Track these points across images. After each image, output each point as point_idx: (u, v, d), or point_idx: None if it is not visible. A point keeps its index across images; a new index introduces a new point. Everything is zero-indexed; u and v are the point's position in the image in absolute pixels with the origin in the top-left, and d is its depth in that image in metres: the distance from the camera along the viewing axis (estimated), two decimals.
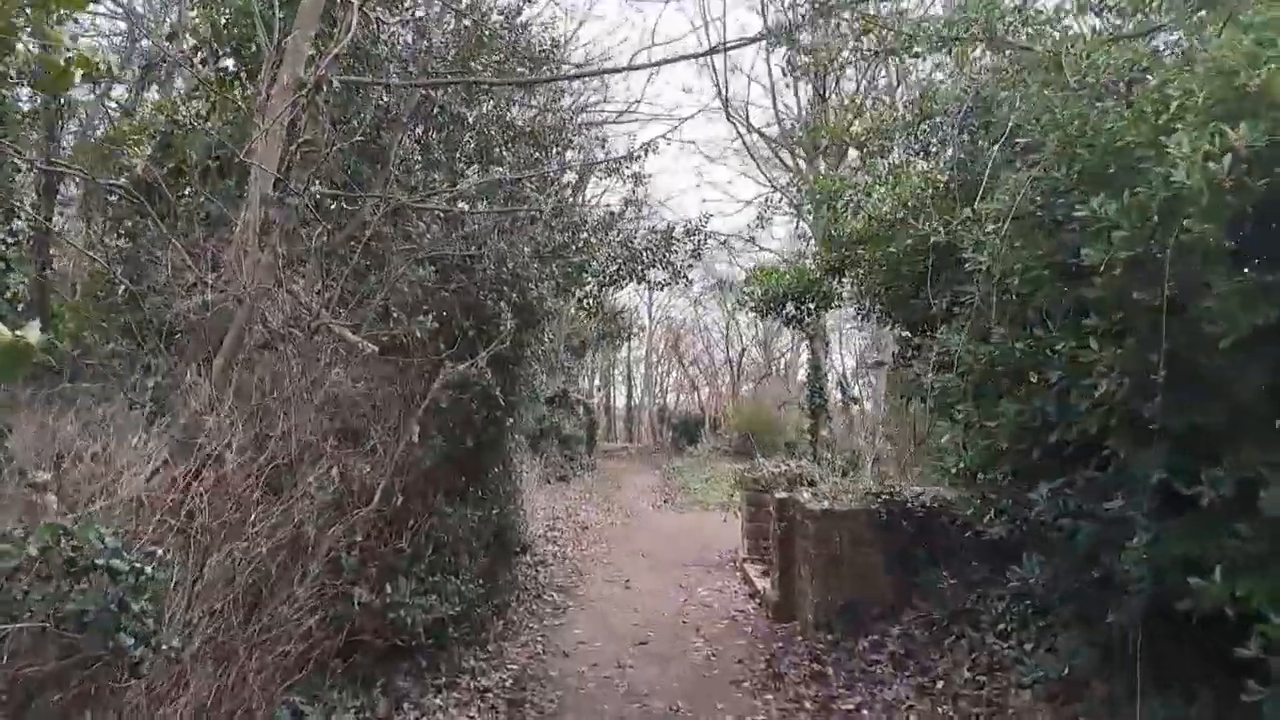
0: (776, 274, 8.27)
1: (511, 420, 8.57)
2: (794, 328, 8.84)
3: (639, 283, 9.53)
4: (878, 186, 6.38)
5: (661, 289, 10.19)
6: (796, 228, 19.09)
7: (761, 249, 24.57)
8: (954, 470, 5.59)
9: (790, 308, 8.40)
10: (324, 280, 6.18)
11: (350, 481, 5.92)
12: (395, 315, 6.98)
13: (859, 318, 7.93)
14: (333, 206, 7.22)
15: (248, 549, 4.68)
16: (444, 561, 7.30)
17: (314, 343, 5.73)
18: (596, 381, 48.18)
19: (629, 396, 51.23)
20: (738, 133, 16.48)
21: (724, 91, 17.27)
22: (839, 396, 19.59)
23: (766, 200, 15.98)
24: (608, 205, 9.64)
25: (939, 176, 6.14)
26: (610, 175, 9.95)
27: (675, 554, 13.74)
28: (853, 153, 15.62)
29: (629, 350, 49.05)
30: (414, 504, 7.14)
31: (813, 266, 8.09)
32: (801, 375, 49.50)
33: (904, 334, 7.08)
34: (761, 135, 17.29)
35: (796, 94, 17.03)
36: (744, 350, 43.86)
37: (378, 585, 6.53)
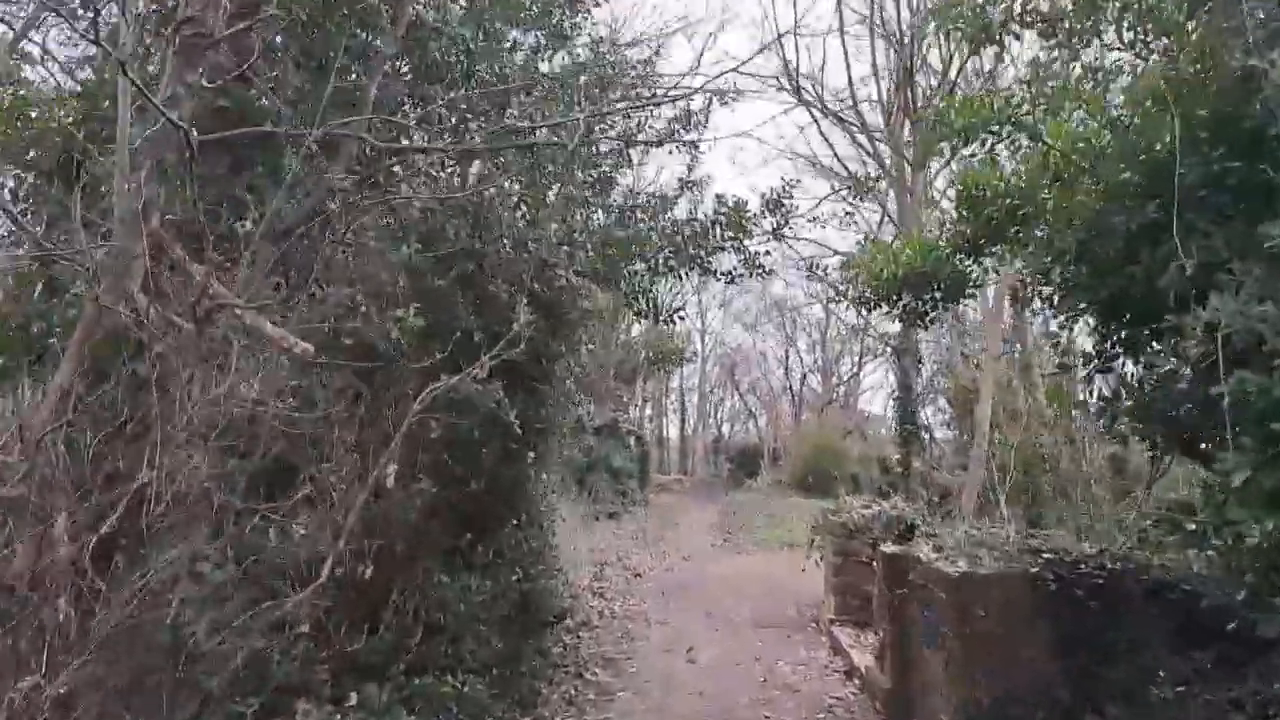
0: (890, 252, 6.12)
1: (535, 455, 6.54)
2: (909, 326, 6.62)
3: (702, 273, 7.47)
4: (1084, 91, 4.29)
5: (731, 281, 7.98)
6: (881, 224, 16.91)
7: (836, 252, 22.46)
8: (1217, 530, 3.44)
9: (907, 298, 6.25)
10: (247, 253, 4.23)
11: (268, 551, 3.94)
12: (365, 309, 5.02)
13: (1018, 306, 5.74)
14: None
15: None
16: (438, 652, 5.28)
17: (209, 338, 3.75)
18: (648, 411, 46.26)
19: (682, 426, 49.12)
20: (811, 116, 14.33)
21: (792, 66, 14.95)
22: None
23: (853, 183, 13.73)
24: (658, 187, 7.60)
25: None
26: (661, 145, 8.00)
27: (743, 609, 11.53)
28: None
29: (681, 378, 47.09)
30: (393, 574, 5.15)
31: (940, 240, 5.97)
32: (867, 404, 47.02)
33: (1097, 328, 4.87)
34: (839, 119, 15.14)
35: (876, 74, 14.90)
36: (804, 376, 41.48)
37: (335, 696, 4.52)
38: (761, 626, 10.52)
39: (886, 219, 14.66)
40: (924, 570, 6.34)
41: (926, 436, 35.72)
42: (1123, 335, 4.36)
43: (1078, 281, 4.25)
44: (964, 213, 5.52)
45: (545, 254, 6.15)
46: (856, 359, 42.18)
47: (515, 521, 6.55)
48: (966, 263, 5.85)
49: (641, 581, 14.04)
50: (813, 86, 15.31)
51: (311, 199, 5.55)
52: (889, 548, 7.45)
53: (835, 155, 15.40)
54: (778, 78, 15.47)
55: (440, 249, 5.90)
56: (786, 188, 7.57)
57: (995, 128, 4.45)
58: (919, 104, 13.01)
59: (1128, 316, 4.20)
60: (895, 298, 6.23)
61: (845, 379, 43.01)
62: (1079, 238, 4.09)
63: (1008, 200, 4.93)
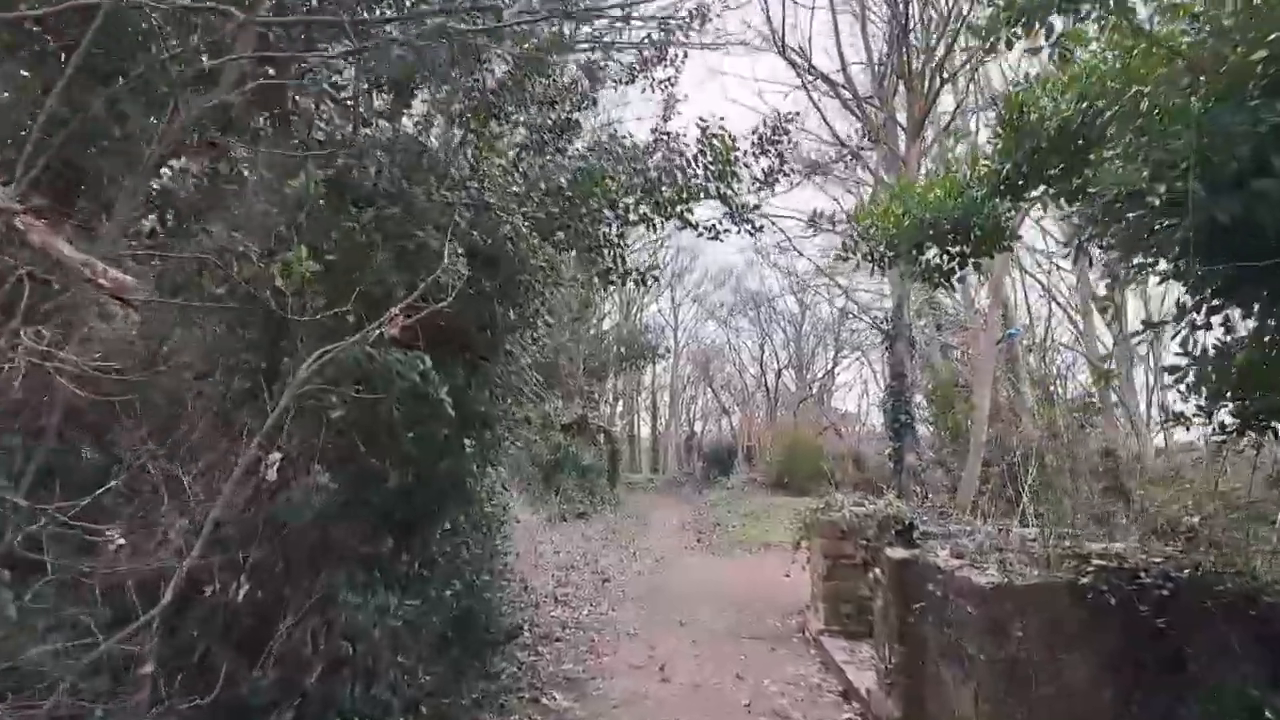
0: (914, 193, 4.99)
1: (477, 444, 5.40)
2: (934, 285, 5.50)
3: (681, 224, 6.29)
4: None
5: (715, 236, 6.72)
6: (873, 197, 15.89)
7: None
8: None
9: (931, 252, 5.14)
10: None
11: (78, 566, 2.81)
12: (243, 249, 3.88)
13: (1071, 254, 4.64)
14: None
15: None
16: (343, 691, 4.13)
17: None
18: (619, 408, 45.16)
19: (654, 424, 48.07)
20: (799, 77, 13.18)
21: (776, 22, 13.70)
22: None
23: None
24: (628, 134, 6.38)
25: None
26: (633, 81, 6.82)
27: (722, 618, 10.46)
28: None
29: (654, 374, 46.05)
30: (284, 592, 4.00)
31: (973, 179, 4.87)
32: (840, 401, 46.21)
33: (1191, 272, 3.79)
34: (826, 80, 14.04)
35: (865, 31, 13.76)
36: (780, 372, 40.56)
37: None
38: (742, 638, 9.45)
39: (880, 189, 13.68)
40: (947, 580, 5.28)
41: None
42: (1231, 278, 3.32)
43: (1172, 209, 3.21)
44: (1005, 145, 4.47)
45: (490, 197, 5.03)
46: (831, 355, 41.39)
47: (451, 524, 5.40)
48: (1003, 206, 4.79)
49: (610, 587, 12.93)
50: (799, 46, 14.36)
51: (192, 119, 4.38)
52: (897, 552, 6.40)
53: (824, 120, 14.34)
54: (757, 29, 14.40)
55: (358, 188, 4.77)
56: (781, 123, 6.43)
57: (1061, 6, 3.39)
58: (913, 65, 12.03)
59: (1244, 250, 3.17)
60: (917, 251, 5.15)
61: (820, 376, 42.19)
62: (1180, 146, 3.05)
63: (1082, 110, 3.87)
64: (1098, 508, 16.37)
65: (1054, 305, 26.95)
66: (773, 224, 21.84)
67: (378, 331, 3.58)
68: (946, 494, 12.66)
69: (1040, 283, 26.98)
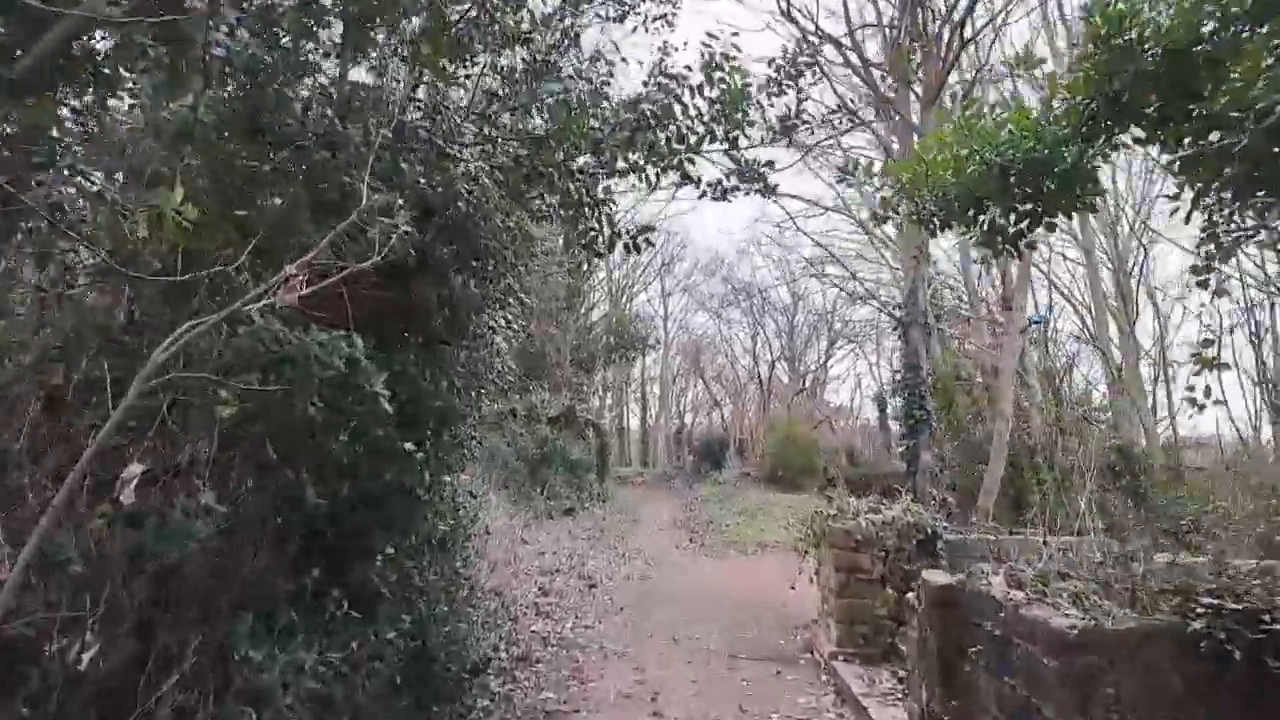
0: (979, 133, 3.91)
1: (432, 448, 4.39)
2: (997, 253, 4.44)
3: (681, 179, 5.18)
4: None
5: (721, 196, 5.56)
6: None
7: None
8: None
9: (993, 211, 4.08)
10: None
11: None
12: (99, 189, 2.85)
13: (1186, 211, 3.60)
14: None
15: None
16: None
17: None
18: (609, 400, 44.20)
19: (644, 416, 47.09)
20: (804, 40, 12.05)
21: None
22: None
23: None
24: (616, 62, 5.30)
25: None
26: (624, 20, 5.77)
27: (720, 634, 9.49)
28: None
29: (644, 366, 45.04)
30: (157, 649, 2.99)
31: (1048, 116, 3.85)
32: (833, 394, 45.22)
33: None
34: (833, 42, 12.94)
35: None
36: (774, 363, 39.64)
37: None
38: (744, 658, 8.48)
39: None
40: (1010, 620, 4.30)
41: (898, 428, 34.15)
42: None
43: None
44: (1095, 69, 3.48)
45: (445, 142, 4.01)
46: (824, 347, 40.49)
47: (398, 546, 4.39)
48: (1088, 150, 3.79)
49: (598, 594, 11.95)
50: (804, 7, 13.34)
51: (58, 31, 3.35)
52: (936, 576, 5.41)
53: (832, 88, 13.27)
54: None
55: (277, 127, 3.75)
56: (796, 58, 5.27)
57: None
58: (929, 27, 11.03)
59: None
60: (975, 210, 4.12)
61: (813, 368, 41.28)
62: None
63: (1210, 14, 2.91)
64: (1112, 508, 15.44)
65: (1054, 293, 26.01)
66: (776, 200, 20.93)
67: (272, 301, 2.56)
68: (955, 496, 11.71)
69: (1040, 270, 26.05)
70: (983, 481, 11.53)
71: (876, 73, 12.86)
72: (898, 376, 12.59)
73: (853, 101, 14.67)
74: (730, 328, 41.99)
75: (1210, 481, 17.31)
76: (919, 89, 11.73)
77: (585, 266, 30.32)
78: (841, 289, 25.36)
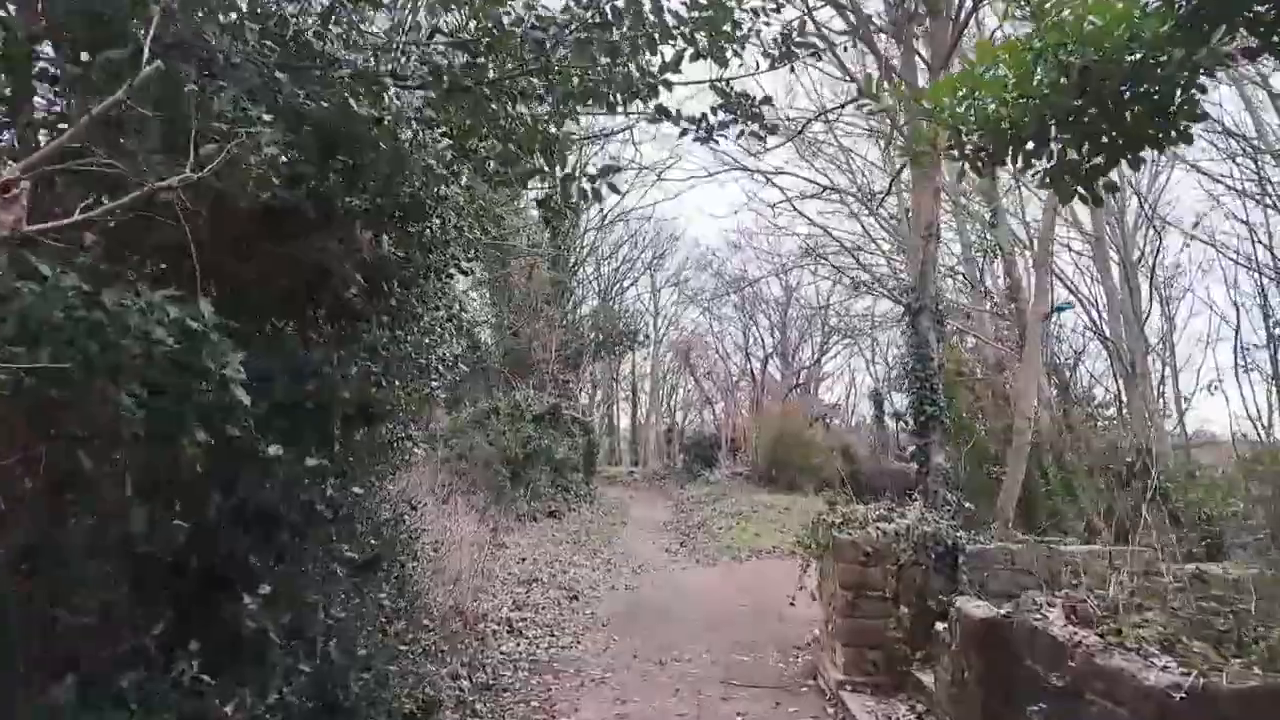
0: (1053, 24, 2.95)
1: (342, 449, 3.41)
2: (1067, 197, 3.46)
3: (655, 113, 4.15)
4: None
5: (706, 138, 4.52)
6: (889, 143, 13.87)
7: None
8: None
9: (1064, 142, 3.07)
10: None
11: None
12: None
13: None
14: None
15: None
16: None
17: None
18: (598, 397, 43.27)
19: (634, 415, 46.15)
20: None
21: None
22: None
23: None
24: None
25: None
26: None
27: (712, 655, 8.52)
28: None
29: (634, 363, 44.11)
30: None
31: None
32: (826, 392, 44.14)
33: None
34: (833, 4, 11.86)
35: None
36: (767, 359, 38.72)
37: None
38: (739, 685, 7.52)
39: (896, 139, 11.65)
40: (1084, 671, 3.34)
41: (900, 424, 33.14)
42: None
43: None
44: None
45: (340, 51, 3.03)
46: (818, 342, 39.56)
47: (289, 576, 3.38)
48: (1194, 58, 2.82)
49: (579, 606, 10.97)
50: None
51: None
52: (974, 607, 4.45)
53: (833, 54, 12.22)
54: None
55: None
56: None
57: None
58: None
59: None
60: (1038, 140, 3.12)
61: (807, 365, 40.33)
62: None
63: None
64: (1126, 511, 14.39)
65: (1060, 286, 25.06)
66: (770, 180, 19.88)
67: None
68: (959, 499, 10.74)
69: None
70: (1001, 485, 10.57)
71: (882, 38, 11.89)
72: (906, 366, 11.53)
73: (853, 74, 13.69)
74: (722, 324, 41.09)
75: (1227, 482, 16.44)
76: (926, 53, 10.76)
77: (570, 256, 29.39)
78: (842, 273, 24.35)
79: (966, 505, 9.14)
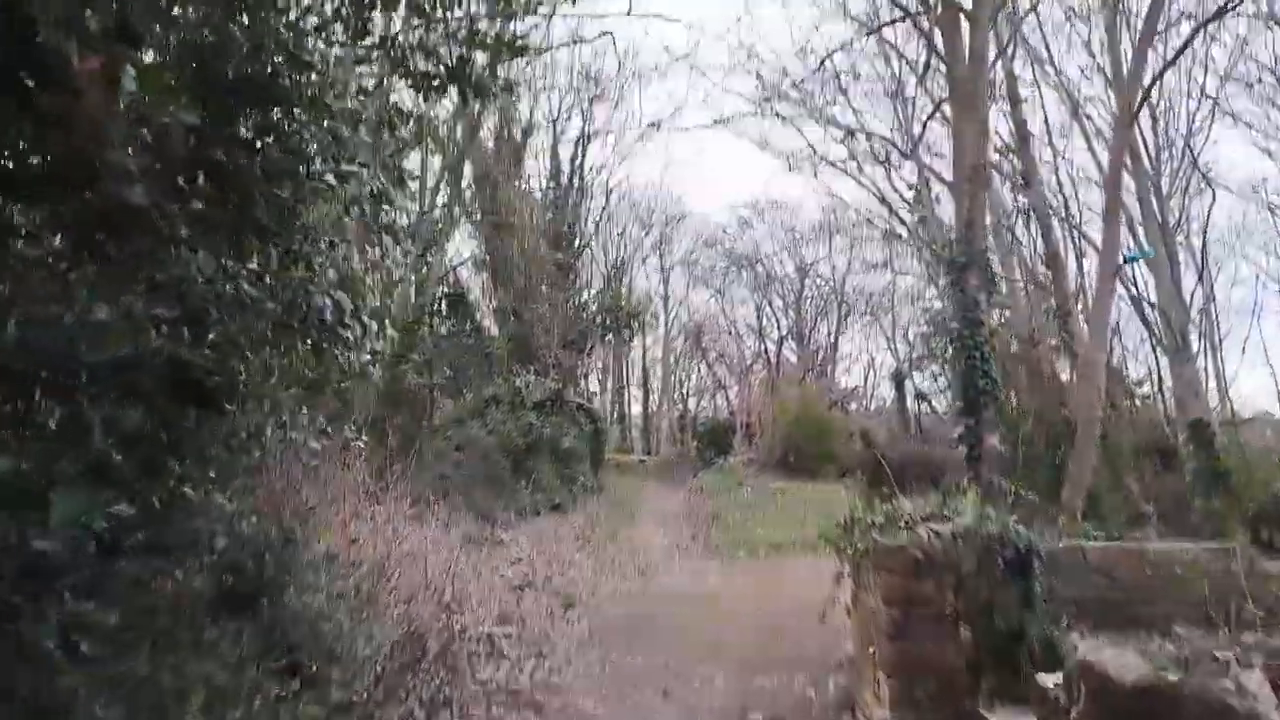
0: None
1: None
2: None
3: None
4: None
5: None
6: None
7: None
8: None
9: None
10: None
11: None
12: None
13: None
14: None
15: None
16: None
17: None
18: (609, 383, 41.94)
19: (645, 401, 44.76)
20: None
21: None
22: None
23: None
24: None
25: None
26: None
27: (727, 680, 7.17)
28: None
29: (644, 349, 42.66)
30: None
31: None
32: (843, 375, 42.38)
33: None
34: None
35: None
36: (782, 339, 37.25)
37: None
38: None
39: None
40: None
41: (923, 407, 31.65)
42: None
43: None
44: None
45: None
46: (835, 323, 38.06)
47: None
48: None
49: (574, 617, 9.60)
50: None
51: None
52: (1120, 667, 3.03)
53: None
54: None
55: None
56: None
57: None
58: None
59: None
60: None
61: (823, 346, 38.82)
62: None
63: None
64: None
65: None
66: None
67: None
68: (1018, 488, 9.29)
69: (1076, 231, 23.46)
70: (1066, 473, 9.06)
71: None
72: (952, 332, 10.01)
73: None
74: (734, 307, 39.56)
75: None
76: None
77: (575, 239, 27.93)
78: (870, 223, 22.75)
79: (1028, 495, 7.67)
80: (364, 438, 4.93)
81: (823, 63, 13.02)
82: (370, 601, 4.97)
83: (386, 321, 4.12)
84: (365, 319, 3.71)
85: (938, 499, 6.40)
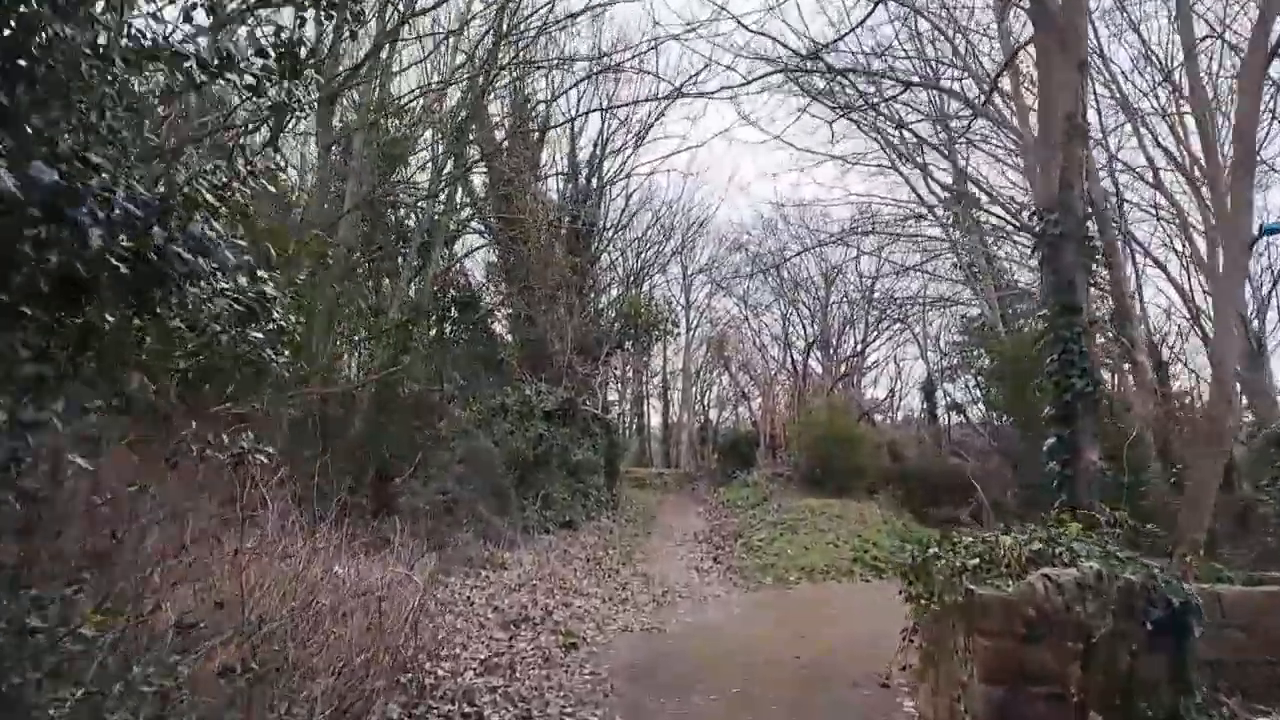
0: None
1: None
2: None
3: None
4: None
5: None
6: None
7: None
8: None
9: None
10: None
11: None
12: None
13: None
14: None
15: None
16: None
17: None
18: (628, 394, 40.43)
19: (665, 413, 43.20)
20: None
21: None
22: None
23: None
24: None
25: None
26: None
27: None
28: None
29: (665, 359, 41.14)
30: None
31: None
32: (870, 386, 40.39)
33: None
34: None
35: None
36: (809, 347, 35.60)
37: None
38: None
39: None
40: None
41: (955, 417, 29.85)
42: None
43: None
44: None
45: None
46: (862, 331, 36.40)
47: None
48: None
49: (576, 661, 8.10)
50: None
51: None
52: None
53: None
54: None
55: None
56: None
57: None
58: None
59: None
60: None
61: (850, 356, 37.14)
62: None
63: None
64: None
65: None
66: (834, 77, 16.46)
67: None
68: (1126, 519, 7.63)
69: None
70: (1183, 498, 7.42)
71: None
72: (1041, 317, 8.27)
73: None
74: (758, 316, 37.88)
75: None
76: None
77: (594, 239, 26.43)
78: (927, 206, 21.09)
79: (1143, 527, 6.08)
80: (272, 450, 3.47)
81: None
82: (261, 681, 3.51)
83: (250, 260, 2.68)
84: (205, 259, 2.30)
85: (1043, 532, 4.86)
